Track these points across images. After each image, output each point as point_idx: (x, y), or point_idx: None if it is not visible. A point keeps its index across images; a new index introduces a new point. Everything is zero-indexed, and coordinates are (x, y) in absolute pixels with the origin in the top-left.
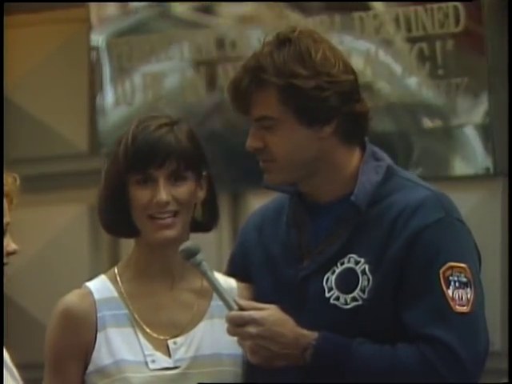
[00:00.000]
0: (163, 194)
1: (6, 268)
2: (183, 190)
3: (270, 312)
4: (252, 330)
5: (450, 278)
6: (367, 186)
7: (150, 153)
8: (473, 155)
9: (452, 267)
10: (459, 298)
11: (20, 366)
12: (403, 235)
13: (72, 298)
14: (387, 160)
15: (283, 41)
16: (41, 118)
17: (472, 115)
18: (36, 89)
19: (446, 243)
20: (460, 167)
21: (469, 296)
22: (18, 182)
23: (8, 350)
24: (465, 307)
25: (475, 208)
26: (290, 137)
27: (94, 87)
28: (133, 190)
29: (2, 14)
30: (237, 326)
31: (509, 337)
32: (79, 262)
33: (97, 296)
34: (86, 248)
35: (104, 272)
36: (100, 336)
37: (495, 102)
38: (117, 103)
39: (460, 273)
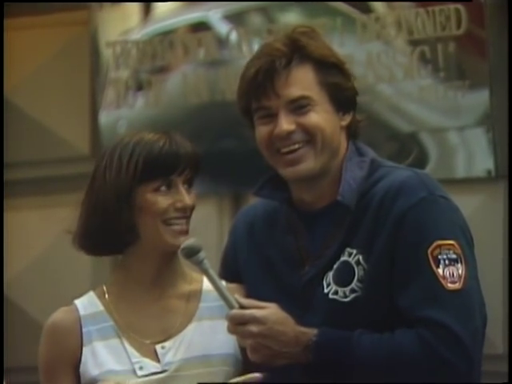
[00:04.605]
0: (188, 199)
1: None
2: (193, 196)
3: (271, 311)
4: (253, 328)
5: (439, 256)
6: (352, 182)
7: (174, 159)
8: (474, 158)
9: (440, 245)
10: (450, 275)
11: (22, 369)
12: (389, 220)
13: (57, 315)
14: (371, 154)
15: (303, 33)
16: (42, 120)
17: (473, 118)
18: (37, 91)
19: (432, 222)
20: (461, 170)
21: (460, 272)
22: None
23: (10, 353)
24: (457, 284)
25: (477, 210)
26: (326, 117)
27: (96, 90)
28: (150, 198)
29: (3, 17)
30: (238, 325)
31: (509, 338)
32: (81, 265)
33: (82, 312)
34: None
35: (105, 273)
36: (86, 350)
37: (497, 105)
38: (118, 106)
39: (449, 250)
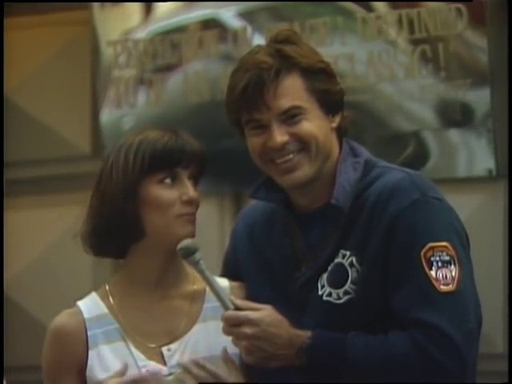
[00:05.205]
0: (193, 192)
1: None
2: (198, 192)
3: (265, 313)
4: (247, 330)
5: (432, 258)
6: (346, 185)
7: (179, 152)
8: (475, 157)
9: (433, 247)
10: (443, 277)
11: (22, 368)
12: (382, 222)
13: (61, 318)
14: (365, 154)
15: (285, 39)
16: (43, 120)
17: (474, 117)
18: (38, 91)
19: (425, 224)
20: (462, 169)
21: (453, 274)
22: None
23: (10, 352)
24: (450, 286)
25: (477, 210)
26: (318, 124)
27: (97, 89)
28: (154, 191)
29: (3, 16)
30: (232, 326)
31: (509, 338)
32: (82, 265)
33: (86, 315)
34: None
35: (106, 271)
36: (92, 353)
37: (497, 104)
38: (119, 105)
39: (442, 252)
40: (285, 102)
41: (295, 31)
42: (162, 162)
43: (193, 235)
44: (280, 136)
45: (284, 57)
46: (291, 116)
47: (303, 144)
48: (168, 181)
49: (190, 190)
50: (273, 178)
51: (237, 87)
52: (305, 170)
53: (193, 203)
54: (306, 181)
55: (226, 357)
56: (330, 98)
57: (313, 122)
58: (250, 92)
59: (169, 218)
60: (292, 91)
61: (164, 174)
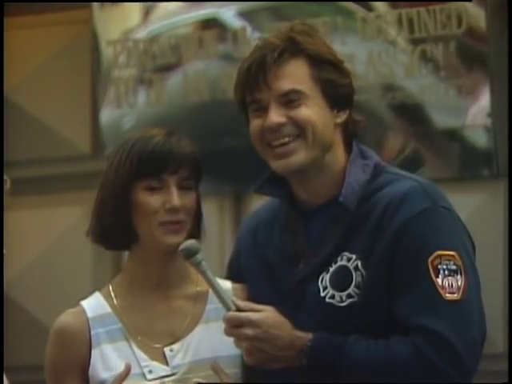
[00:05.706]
0: (176, 200)
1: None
2: (190, 197)
3: (267, 314)
4: (249, 331)
5: (439, 266)
6: (355, 185)
7: (166, 157)
8: (475, 157)
9: (440, 256)
10: (449, 285)
11: (22, 368)
12: (391, 228)
13: (65, 317)
14: (375, 158)
15: (301, 31)
16: (43, 119)
17: (474, 117)
18: (38, 90)
19: (433, 232)
20: (462, 169)
21: (459, 283)
22: (8, 184)
23: (10, 351)
24: (455, 294)
25: (477, 210)
26: (318, 112)
27: (97, 89)
28: (142, 196)
29: (3, 16)
30: (234, 327)
31: (509, 338)
32: (82, 264)
33: (90, 314)
34: (88, 250)
35: (106, 271)
36: (95, 353)
37: (497, 104)
38: (119, 104)
39: (449, 260)
40: (285, 84)
41: (312, 26)
42: (148, 167)
43: (178, 244)
44: (276, 116)
45: (292, 42)
46: (291, 100)
47: (300, 129)
48: (155, 187)
49: (173, 198)
50: (269, 163)
51: (243, 67)
52: (300, 156)
53: (177, 211)
54: (300, 168)
55: (216, 368)
56: (336, 90)
57: (312, 109)
58: (252, 71)
59: (153, 225)
60: (295, 75)
61: (150, 180)
